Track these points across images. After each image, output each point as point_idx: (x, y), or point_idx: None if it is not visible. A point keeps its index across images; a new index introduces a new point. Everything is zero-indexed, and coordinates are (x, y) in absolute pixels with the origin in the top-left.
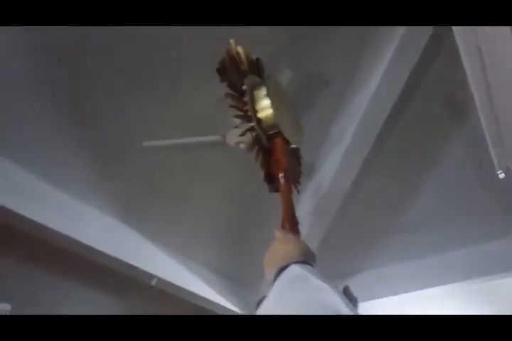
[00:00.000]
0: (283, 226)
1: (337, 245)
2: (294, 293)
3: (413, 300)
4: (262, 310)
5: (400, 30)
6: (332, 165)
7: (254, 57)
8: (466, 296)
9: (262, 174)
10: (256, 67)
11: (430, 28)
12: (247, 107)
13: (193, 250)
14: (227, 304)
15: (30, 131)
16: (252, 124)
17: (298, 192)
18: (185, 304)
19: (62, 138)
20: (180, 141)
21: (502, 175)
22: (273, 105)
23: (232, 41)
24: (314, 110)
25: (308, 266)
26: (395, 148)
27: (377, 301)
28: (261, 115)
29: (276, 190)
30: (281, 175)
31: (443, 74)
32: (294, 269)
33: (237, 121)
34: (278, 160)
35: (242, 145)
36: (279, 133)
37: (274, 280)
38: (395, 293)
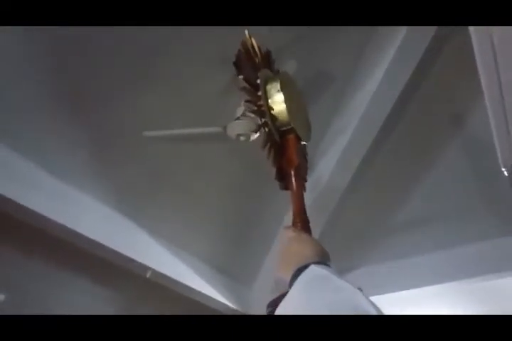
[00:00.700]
0: (294, 225)
1: (333, 242)
2: (320, 294)
3: (406, 298)
4: (283, 310)
5: (403, 30)
6: (331, 161)
7: (265, 50)
8: (459, 295)
9: (273, 171)
10: (267, 60)
11: (433, 28)
12: (261, 102)
13: (190, 243)
14: (221, 298)
15: (29, 119)
16: (266, 120)
17: (305, 190)
18: (178, 297)
19: (62, 127)
20: (181, 132)
21: (506, 173)
22: (286, 101)
23: (247, 32)
24: (315, 106)
25: (328, 267)
26: (394, 145)
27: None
28: (274, 111)
29: (287, 188)
30: (293, 172)
31: (444, 75)
32: (316, 270)
33: (239, 112)
34: (290, 157)
35: (242, 138)
36: (291, 130)
37: (292, 280)
38: (389, 292)
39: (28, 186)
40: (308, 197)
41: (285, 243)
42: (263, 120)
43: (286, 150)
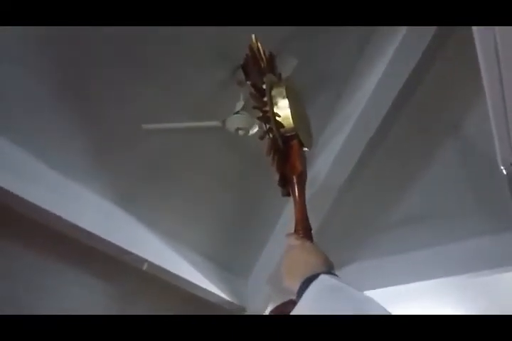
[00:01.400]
0: (296, 232)
1: (330, 236)
2: (333, 304)
3: (401, 293)
4: None
5: (402, 30)
6: (328, 160)
7: (268, 53)
8: (455, 291)
9: (276, 177)
10: (272, 64)
11: (431, 29)
12: (267, 108)
13: (187, 236)
14: (217, 290)
15: (31, 113)
16: (270, 126)
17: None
18: (175, 289)
19: (62, 121)
20: (180, 125)
21: (504, 172)
22: (291, 107)
23: (253, 37)
24: (313, 105)
25: (337, 277)
26: (391, 144)
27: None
28: (279, 116)
29: (289, 194)
30: (295, 179)
31: (442, 75)
32: (327, 279)
33: (238, 106)
34: (293, 163)
35: (241, 132)
36: (295, 136)
37: (301, 290)
38: (384, 286)
39: (28, 179)
40: (306, 193)
41: (289, 251)
42: (268, 126)
43: (289, 157)
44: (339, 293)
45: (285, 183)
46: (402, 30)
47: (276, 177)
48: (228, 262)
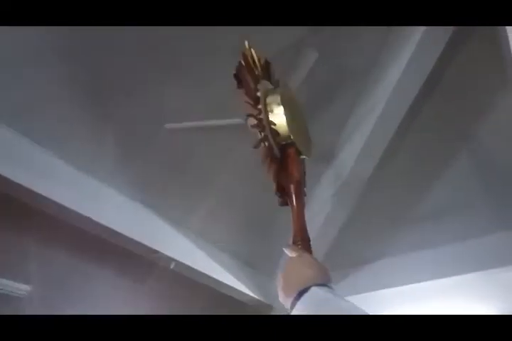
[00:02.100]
0: (294, 243)
1: (356, 232)
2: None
3: (428, 289)
4: None
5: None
6: (353, 152)
7: (263, 60)
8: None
9: (273, 186)
10: (267, 71)
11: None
12: (261, 115)
13: (212, 234)
14: (244, 288)
15: (51, 109)
16: (266, 134)
17: (304, 206)
18: (201, 287)
19: (87, 122)
20: (203, 124)
21: None
22: (286, 114)
23: (246, 43)
24: (337, 96)
25: (329, 288)
26: (417, 137)
27: (393, 290)
28: (275, 124)
29: (286, 204)
30: (293, 187)
31: (468, 63)
32: (317, 292)
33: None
34: (291, 172)
35: None
36: (291, 144)
37: (293, 303)
38: (412, 282)
39: (51, 178)
40: (330, 187)
41: (287, 263)
42: (263, 134)
43: (286, 165)
44: (326, 305)
45: (282, 193)
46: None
47: (273, 186)
48: (254, 259)
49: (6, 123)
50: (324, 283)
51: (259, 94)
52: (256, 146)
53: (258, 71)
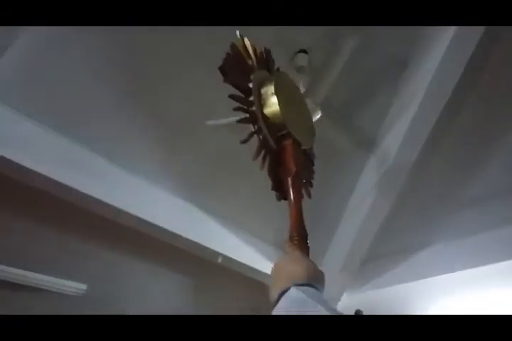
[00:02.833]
0: (291, 239)
1: (401, 220)
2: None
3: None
4: None
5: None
6: (396, 138)
7: (262, 49)
8: None
9: (269, 181)
10: (265, 60)
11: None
12: (253, 108)
13: (257, 227)
14: None
15: (98, 113)
16: (259, 126)
17: (310, 197)
18: (249, 281)
19: (128, 121)
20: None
21: None
22: (281, 103)
23: (238, 33)
24: (376, 83)
25: (311, 289)
26: (461, 121)
27: (438, 278)
28: (268, 114)
29: (284, 198)
30: (290, 181)
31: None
32: (293, 293)
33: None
34: (287, 165)
35: None
36: (288, 135)
37: (275, 302)
38: (458, 269)
39: (105, 181)
40: (375, 175)
41: (277, 260)
42: (256, 127)
43: (282, 158)
44: (303, 307)
45: (279, 186)
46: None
47: (270, 180)
48: None
49: (54, 127)
50: (309, 282)
51: (250, 85)
52: (245, 141)
53: (253, 61)
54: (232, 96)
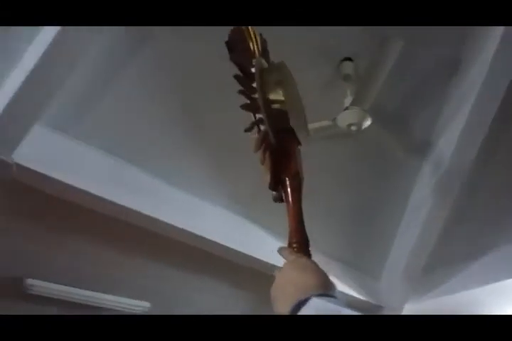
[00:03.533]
0: (289, 246)
1: (461, 226)
2: None
3: None
4: None
5: None
6: (451, 141)
7: (261, 38)
8: None
9: (267, 178)
10: (264, 49)
11: None
12: (256, 95)
13: (312, 239)
14: (349, 290)
15: (146, 132)
16: (261, 116)
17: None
18: None
19: (178, 139)
20: None
21: None
22: (286, 96)
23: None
24: (424, 86)
25: (334, 299)
26: None
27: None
28: (272, 106)
29: (282, 200)
30: (289, 181)
31: None
32: (318, 303)
33: (347, 102)
34: (287, 163)
35: (353, 127)
36: (289, 130)
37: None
38: None
39: (160, 201)
40: (431, 180)
41: (282, 269)
42: (258, 116)
43: (283, 155)
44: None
45: (277, 186)
46: None
47: (267, 178)
48: (357, 261)
49: (107, 149)
50: (326, 292)
51: (253, 70)
52: (248, 129)
53: (254, 44)
54: (237, 78)
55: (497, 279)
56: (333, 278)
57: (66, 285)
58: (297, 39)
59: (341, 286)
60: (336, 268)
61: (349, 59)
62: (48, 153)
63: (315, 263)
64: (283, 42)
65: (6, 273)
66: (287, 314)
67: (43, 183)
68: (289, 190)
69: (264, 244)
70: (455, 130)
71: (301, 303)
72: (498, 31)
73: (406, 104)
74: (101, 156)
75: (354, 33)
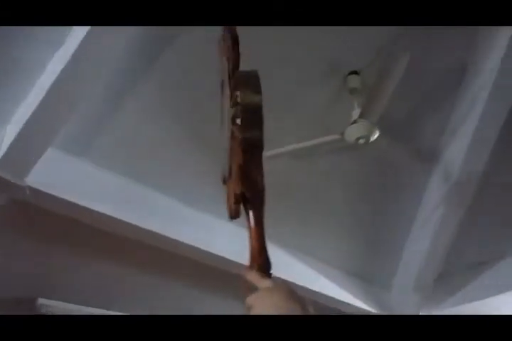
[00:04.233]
0: (251, 267)
1: (473, 234)
2: None
3: None
4: None
5: None
6: (460, 150)
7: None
8: None
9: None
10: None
11: None
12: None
13: (325, 253)
14: (361, 304)
15: (159, 153)
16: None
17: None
18: (323, 308)
19: (189, 160)
20: (299, 146)
21: None
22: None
23: None
24: (434, 97)
25: None
26: None
27: None
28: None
29: (238, 215)
30: (254, 197)
31: None
32: None
33: (355, 115)
34: (254, 177)
35: (361, 141)
36: (259, 137)
37: None
38: None
39: (176, 221)
40: (440, 189)
41: (255, 299)
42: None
43: (250, 167)
44: None
45: (239, 200)
46: None
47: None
48: (369, 275)
49: (122, 172)
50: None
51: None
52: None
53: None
54: (224, 72)
55: (510, 287)
56: (347, 293)
57: (78, 304)
58: (303, 53)
59: (354, 301)
60: (348, 283)
61: (355, 72)
62: (61, 175)
63: (290, 287)
64: (289, 58)
65: (19, 293)
66: None
67: (56, 205)
68: (252, 208)
69: (279, 260)
70: (464, 139)
71: None
72: (505, 33)
73: (414, 114)
74: (113, 178)
75: (361, 46)
